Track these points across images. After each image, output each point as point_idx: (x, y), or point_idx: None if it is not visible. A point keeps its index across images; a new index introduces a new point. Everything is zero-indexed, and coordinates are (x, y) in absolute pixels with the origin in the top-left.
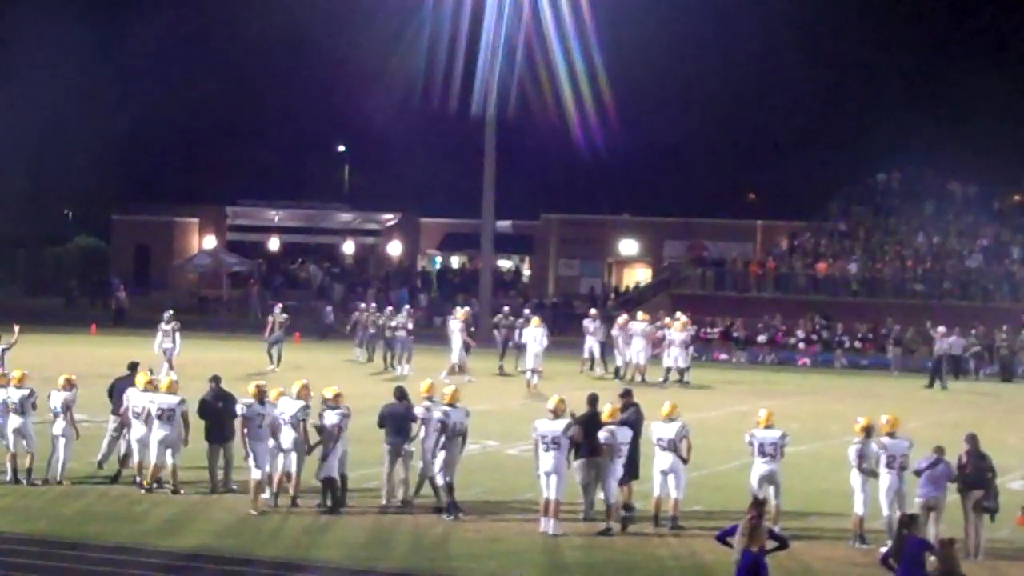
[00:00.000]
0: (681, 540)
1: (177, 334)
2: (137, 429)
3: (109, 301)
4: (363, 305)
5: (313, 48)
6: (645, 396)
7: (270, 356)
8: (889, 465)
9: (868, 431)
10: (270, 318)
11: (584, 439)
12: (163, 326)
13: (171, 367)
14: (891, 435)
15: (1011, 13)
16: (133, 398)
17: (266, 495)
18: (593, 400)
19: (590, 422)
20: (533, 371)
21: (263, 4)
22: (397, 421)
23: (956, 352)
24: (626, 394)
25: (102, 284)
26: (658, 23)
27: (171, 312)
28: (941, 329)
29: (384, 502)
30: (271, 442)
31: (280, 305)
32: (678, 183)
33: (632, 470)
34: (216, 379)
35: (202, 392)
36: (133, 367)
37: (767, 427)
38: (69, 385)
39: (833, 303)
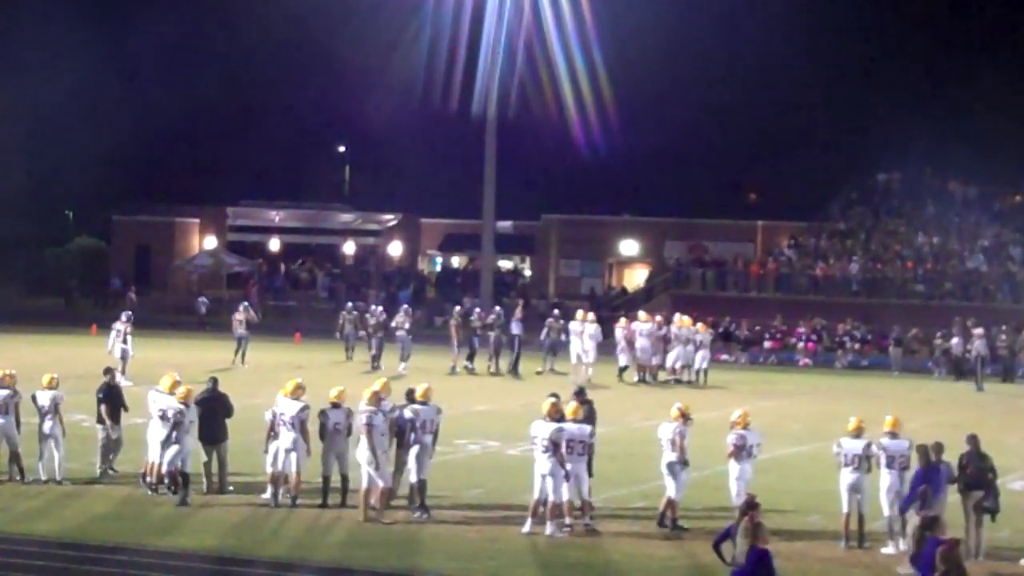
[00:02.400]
0: (681, 540)
1: (130, 336)
2: (157, 430)
3: (123, 302)
4: (350, 306)
5: (313, 48)
6: (653, 396)
7: (240, 354)
8: (889, 466)
9: (859, 432)
10: (235, 316)
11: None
12: (117, 326)
13: (123, 368)
14: (892, 436)
15: (1011, 13)
16: (159, 401)
17: (267, 495)
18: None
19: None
20: (587, 365)
21: (263, 4)
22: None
23: (984, 352)
24: (580, 393)
25: (102, 285)
26: (658, 23)
27: (130, 313)
28: (979, 331)
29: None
30: (275, 443)
31: (244, 304)
32: (678, 183)
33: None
34: (214, 380)
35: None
36: (109, 371)
37: (745, 427)
38: (55, 384)
39: (833, 303)
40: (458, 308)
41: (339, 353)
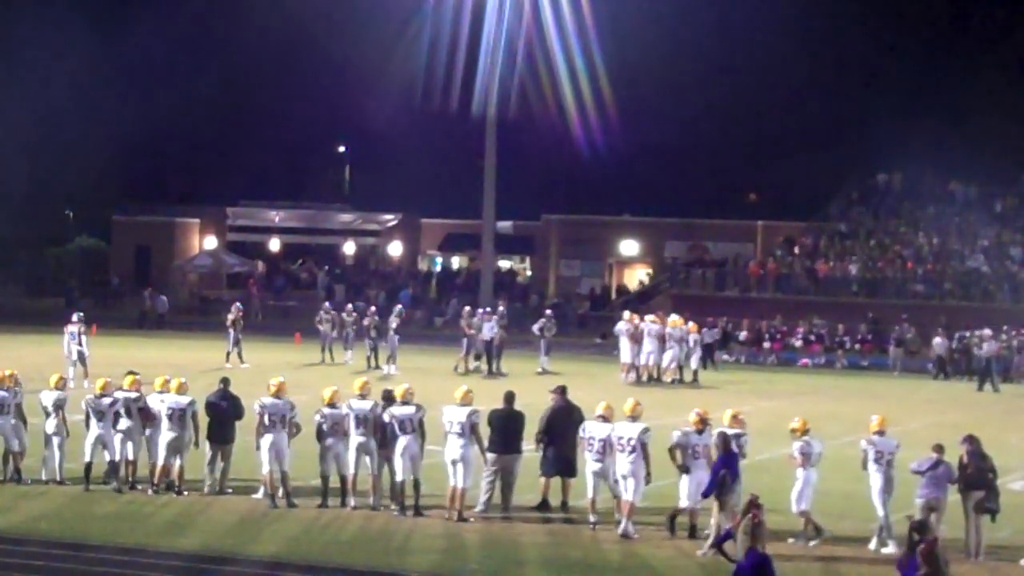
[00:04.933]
0: (681, 540)
1: (84, 337)
2: (164, 432)
3: (154, 306)
4: (328, 305)
5: (313, 48)
6: (653, 396)
7: (229, 354)
8: (877, 461)
9: (805, 431)
10: (228, 316)
11: (499, 436)
12: (70, 328)
13: (86, 371)
14: (880, 433)
15: (1011, 13)
16: (163, 401)
17: (259, 494)
18: (510, 398)
19: (507, 419)
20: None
21: (263, 4)
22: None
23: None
24: (558, 389)
25: (103, 285)
26: (659, 23)
27: (81, 314)
28: (987, 332)
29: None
30: (266, 440)
31: (237, 304)
32: (678, 183)
33: (565, 467)
34: (225, 381)
35: (207, 393)
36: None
37: (699, 432)
38: (61, 385)
39: (833, 304)
40: (467, 308)
41: (334, 354)
